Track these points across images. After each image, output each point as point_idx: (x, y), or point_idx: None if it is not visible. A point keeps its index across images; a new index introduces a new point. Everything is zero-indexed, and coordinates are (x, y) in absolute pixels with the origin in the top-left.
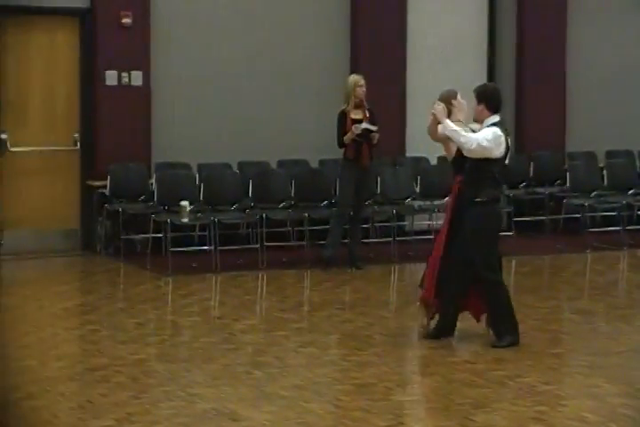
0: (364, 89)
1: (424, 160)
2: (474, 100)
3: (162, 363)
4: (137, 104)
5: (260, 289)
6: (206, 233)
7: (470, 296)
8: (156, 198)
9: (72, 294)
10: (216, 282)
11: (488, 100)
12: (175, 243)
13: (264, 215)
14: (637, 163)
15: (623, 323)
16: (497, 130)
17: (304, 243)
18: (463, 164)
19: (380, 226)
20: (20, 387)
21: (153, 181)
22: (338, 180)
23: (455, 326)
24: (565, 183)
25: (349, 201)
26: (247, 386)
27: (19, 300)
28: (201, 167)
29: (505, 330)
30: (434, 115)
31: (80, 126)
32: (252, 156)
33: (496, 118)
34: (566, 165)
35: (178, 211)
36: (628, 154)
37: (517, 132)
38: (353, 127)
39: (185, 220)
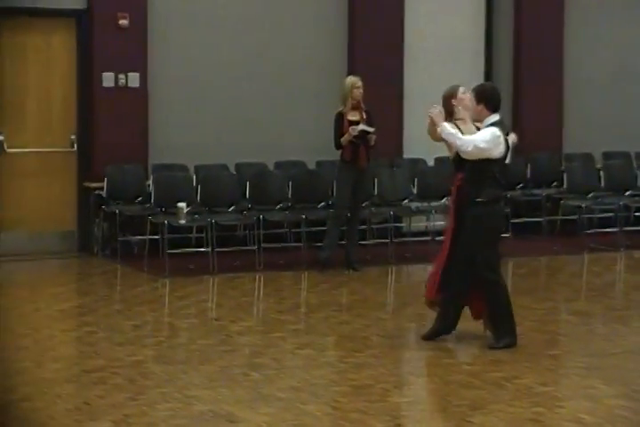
0: (362, 90)
1: (421, 162)
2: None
3: (159, 365)
4: (134, 106)
5: (256, 291)
6: (203, 235)
7: (472, 296)
8: (152, 200)
9: (69, 296)
10: (213, 284)
11: (487, 99)
12: (172, 244)
13: (261, 217)
14: (634, 164)
15: (620, 324)
16: (496, 130)
17: (301, 244)
18: (464, 162)
19: (377, 227)
20: (17, 389)
21: (150, 182)
22: (335, 181)
23: (454, 325)
24: (562, 185)
25: (346, 203)
26: (244, 388)
27: (15, 301)
28: (198, 169)
29: (503, 331)
30: (431, 118)
31: (77, 128)
32: (249, 157)
33: (496, 117)
34: (563, 167)
35: (175, 212)
36: (625, 155)
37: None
38: (350, 129)
39: (182, 221)
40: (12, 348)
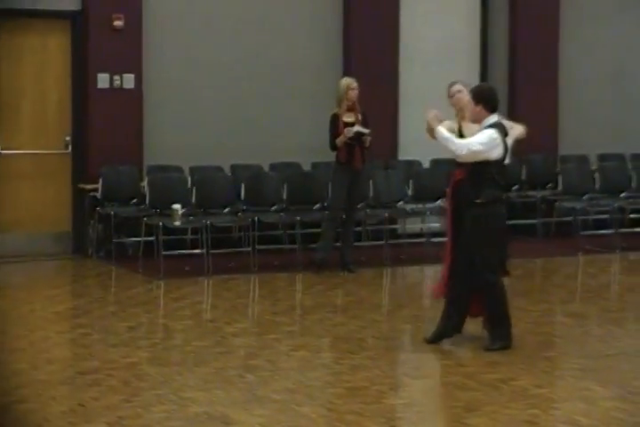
0: (357, 92)
1: (416, 163)
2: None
3: (153, 366)
4: (129, 107)
5: (251, 292)
6: (198, 236)
7: (473, 297)
8: (147, 201)
9: (63, 298)
10: (208, 285)
11: (486, 100)
12: (167, 246)
13: (256, 218)
14: (629, 166)
15: (615, 326)
16: (493, 132)
17: (296, 246)
18: None
19: (372, 229)
20: (12, 390)
21: (145, 184)
22: (330, 183)
23: (459, 328)
24: (557, 186)
25: (341, 204)
26: (239, 389)
27: (10, 303)
28: (193, 170)
29: (499, 333)
30: (427, 122)
31: (72, 129)
32: (244, 159)
33: (494, 118)
34: (558, 169)
35: (170, 214)
36: (620, 157)
37: None
38: (345, 130)
39: (177, 223)
40: (9, 350)
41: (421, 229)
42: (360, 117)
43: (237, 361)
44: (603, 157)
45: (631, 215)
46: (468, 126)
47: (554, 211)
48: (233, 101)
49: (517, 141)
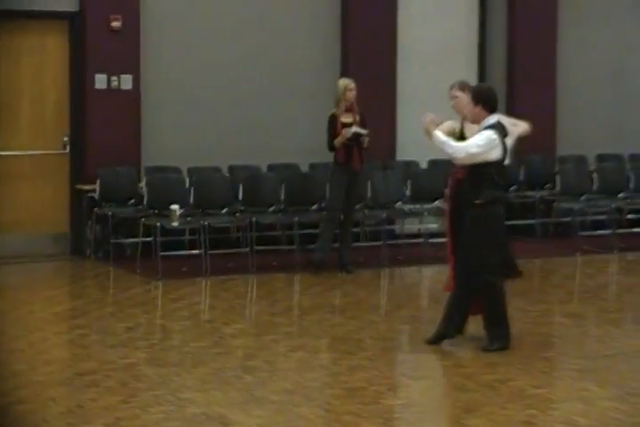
0: (355, 93)
1: (414, 164)
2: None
3: (151, 367)
4: (127, 108)
5: (249, 293)
6: (196, 237)
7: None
8: (145, 202)
9: (61, 299)
10: (206, 286)
11: (485, 100)
12: (165, 247)
13: (254, 219)
14: (627, 166)
15: (613, 326)
16: (491, 133)
17: (294, 247)
18: None
19: (370, 230)
20: (11, 391)
21: (143, 184)
22: (328, 183)
23: (461, 329)
24: (555, 187)
25: (339, 205)
26: (237, 390)
27: (8, 304)
28: (191, 171)
29: (497, 333)
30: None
31: (69, 130)
32: (243, 159)
33: (494, 118)
34: (556, 169)
35: (168, 215)
36: (619, 158)
37: None
38: (343, 131)
39: (175, 224)
40: (7, 351)
41: (419, 229)
42: (358, 118)
43: (235, 362)
44: (601, 158)
45: (629, 216)
46: (470, 127)
47: (552, 211)
48: (231, 102)
49: (519, 139)
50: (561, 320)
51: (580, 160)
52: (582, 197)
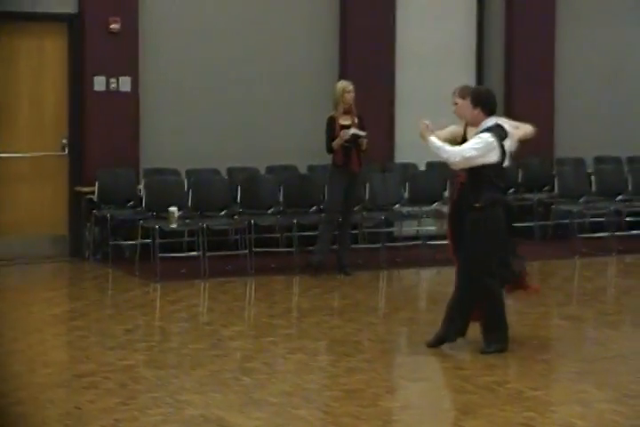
0: (353, 95)
1: (413, 166)
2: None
3: (150, 369)
4: (125, 110)
5: (248, 295)
6: (195, 239)
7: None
8: (144, 204)
9: (60, 300)
10: (204, 288)
11: (483, 103)
12: (163, 249)
13: (252, 221)
14: (625, 169)
15: (612, 329)
16: (488, 136)
17: (293, 249)
18: None
19: (368, 232)
20: (10, 393)
21: (141, 186)
22: (326, 185)
23: (462, 332)
24: (554, 189)
25: (338, 207)
26: (235, 392)
27: (7, 306)
28: (189, 173)
29: (495, 336)
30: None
31: (68, 132)
32: (241, 161)
33: (492, 121)
34: (555, 171)
35: (166, 217)
36: (617, 160)
37: None
38: (341, 133)
39: (173, 226)
40: (6, 352)
41: (417, 231)
42: (356, 120)
43: (234, 364)
44: (599, 160)
45: (627, 218)
46: (472, 131)
47: (550, 214)
48: (229, 104)
49: (520, 142)
50: (559, 323)
51: (579, 162)
52: (581, 200)
